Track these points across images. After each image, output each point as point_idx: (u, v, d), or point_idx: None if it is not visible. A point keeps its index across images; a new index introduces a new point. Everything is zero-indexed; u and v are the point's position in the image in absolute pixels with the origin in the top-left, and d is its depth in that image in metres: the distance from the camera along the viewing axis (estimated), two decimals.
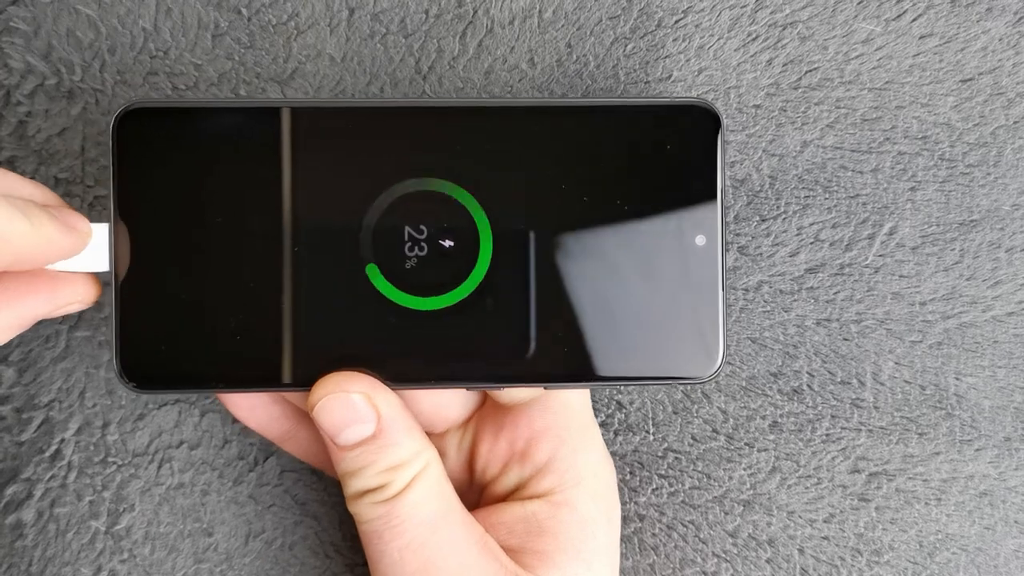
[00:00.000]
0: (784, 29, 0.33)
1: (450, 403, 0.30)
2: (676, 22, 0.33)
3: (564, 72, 0.33)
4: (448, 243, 0.28)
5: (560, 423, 0.30)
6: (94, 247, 0.27)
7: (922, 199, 0.33)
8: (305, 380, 0.27)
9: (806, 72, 0.33)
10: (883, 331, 0.33)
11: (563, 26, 0.33)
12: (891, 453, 0.34)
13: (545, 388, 0.29)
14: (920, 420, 0.33)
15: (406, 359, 0.27)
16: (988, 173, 0.33)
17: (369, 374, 0.27)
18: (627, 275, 0.27)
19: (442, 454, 0.32)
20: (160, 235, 0.27)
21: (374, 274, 0.28)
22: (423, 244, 0.28)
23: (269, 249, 0.27)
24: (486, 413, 0.31)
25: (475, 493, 0.32)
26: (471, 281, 0.28)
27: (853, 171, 0.33)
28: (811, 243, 0.33)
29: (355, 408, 0.27)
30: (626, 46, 0.33)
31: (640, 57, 0.33)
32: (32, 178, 0.32)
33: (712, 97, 0.33)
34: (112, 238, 0.27)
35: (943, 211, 0.33)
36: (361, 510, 0.28)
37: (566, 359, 0.27)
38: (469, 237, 0.28)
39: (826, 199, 0.33)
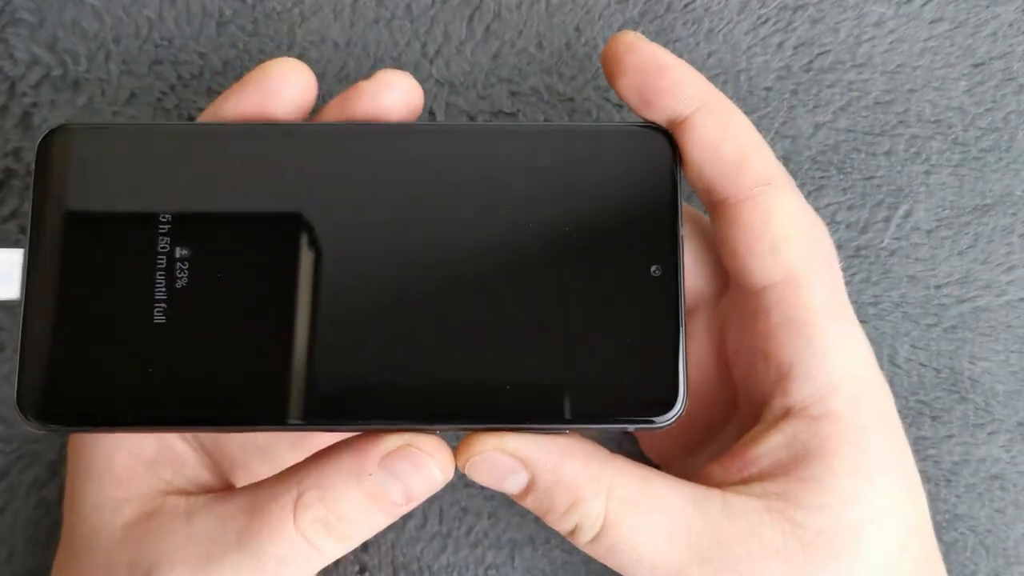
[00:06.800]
0: (795, 12, 0.33)
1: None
2: (685, 6, 0.33)
3: (573, 55, 0.33)
4: None
5: (800, 316, 0.25)
6: (5, 274, 0.24)
7: (936, 182, 0.33)
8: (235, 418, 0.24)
9: (817, 55, 0.33)
10: (899, 314, 0.33)
11: (571, 9, 0.33)
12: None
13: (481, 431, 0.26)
14: (934, 403, 0.33)
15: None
16: (1000, 158, 0.33)
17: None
18: (576, 310, 0.25)
19: (691, 336, 0.29)
20: (76, 262, 0.25)
21: None
22: None
23: (192, 281, 0.25)
24: (733, 297, 0.27)
25: (727, 390, 0.28)
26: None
27: (867, 153, 0.33)
28: (827, 224, 0.33)
29: (498, 464, 0.24)
30: (635, 29, 0.33)
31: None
32: None
33: (723, 80, 0.33)
34: (27, 265, 0.24)
35: (957, 195, 0.33)
36: (586, 549, 0.25)
37: (506, 399, 0.24)
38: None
39: (841, 180, 0.33)
